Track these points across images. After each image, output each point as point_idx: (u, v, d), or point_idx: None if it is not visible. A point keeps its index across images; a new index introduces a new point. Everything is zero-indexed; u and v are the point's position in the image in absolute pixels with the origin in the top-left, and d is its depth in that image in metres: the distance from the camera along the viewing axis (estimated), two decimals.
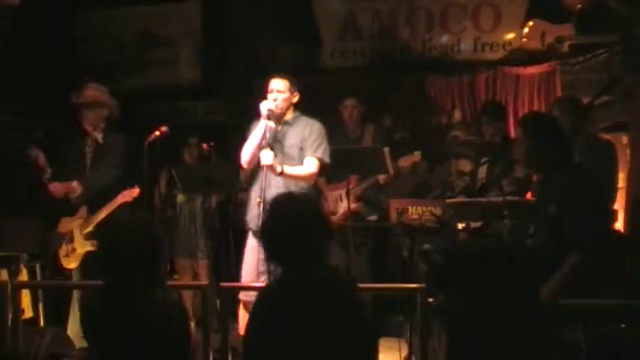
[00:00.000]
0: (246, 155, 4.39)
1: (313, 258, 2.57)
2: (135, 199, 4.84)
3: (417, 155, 5.31)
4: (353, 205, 5.23)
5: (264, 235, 2.69)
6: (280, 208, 2.68)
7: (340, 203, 5.36)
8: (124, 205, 4.83)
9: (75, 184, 4.83)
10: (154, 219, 3.30)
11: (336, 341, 2.45)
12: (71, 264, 4.85)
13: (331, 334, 2.45)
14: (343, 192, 4.88)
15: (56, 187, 4.88)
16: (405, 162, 5.33)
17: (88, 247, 4.76)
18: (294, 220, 2.59)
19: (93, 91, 4.99)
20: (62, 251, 4.89)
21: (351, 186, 5.08)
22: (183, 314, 2.78)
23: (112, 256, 2.71)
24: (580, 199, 3.50)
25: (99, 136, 4.97)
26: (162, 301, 2.75)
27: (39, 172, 4.96)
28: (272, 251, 2.64)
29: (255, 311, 2.58)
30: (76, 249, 4.83)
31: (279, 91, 4.36)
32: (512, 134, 5.57)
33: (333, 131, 4.74)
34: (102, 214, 4.79)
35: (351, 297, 2.59)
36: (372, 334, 2.65)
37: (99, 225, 4.76)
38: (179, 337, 2.70)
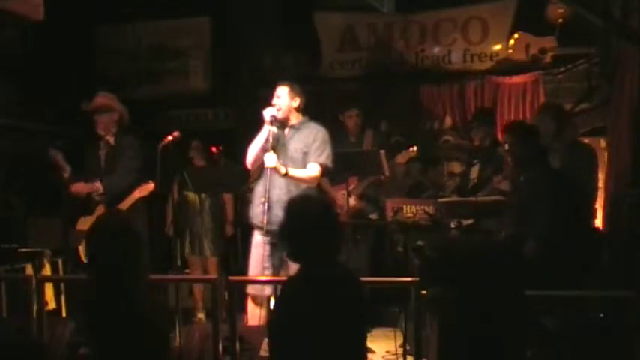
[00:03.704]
0: (250, 157, 4.45)
1: (326, 256, 2.60)
2: (151, 193, 4.83)
3: (412, 151, 5.31)
4: (356, 203, 5.21)
5: (282, 235, 2.70)
6: (296, 210, 2.69)
7: (344, 202, 5.36)
8: (140, 200, 4.83)
9: (98, 184, 4.84)
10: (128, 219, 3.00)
11: (342, 328, 2.52)
12: None
13: (339, 322, 2.51)
14: (346, 191, 4.89)
15: (80, 187, 4.88)
16: (402, 158, 5.33)
17: None
18: (308, 221, 2.61)
19: (102, 98, 5.04)
20: (83, 248, 4.88)
21: (352, 186, 5.06)
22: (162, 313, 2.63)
23: (96, 253, 2.57)
24: (544, 195, 3.68)
25: (111, 140, 4.99)
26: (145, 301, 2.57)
27: (59, 172, 4.96)
28: (289, 249, 2.66)
29: (278, 304, 2.64)
30: None
31: (278, 97, 4.41)
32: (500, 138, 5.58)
33: (336, 137, 4.74)
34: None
35: (356, 292, 2.64)
36: (366, 324, 2.74)
37: None
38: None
